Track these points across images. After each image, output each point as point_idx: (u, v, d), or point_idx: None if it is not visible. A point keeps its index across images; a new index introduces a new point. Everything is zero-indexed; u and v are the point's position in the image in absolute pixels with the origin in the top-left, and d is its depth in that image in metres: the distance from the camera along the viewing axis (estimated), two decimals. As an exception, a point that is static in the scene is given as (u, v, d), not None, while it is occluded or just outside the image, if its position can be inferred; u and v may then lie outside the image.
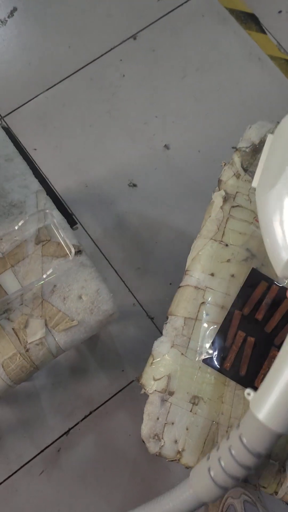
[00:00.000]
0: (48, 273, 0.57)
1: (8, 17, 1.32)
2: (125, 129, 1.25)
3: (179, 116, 1.27)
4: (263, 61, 1.31)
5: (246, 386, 0.57)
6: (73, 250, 0.57)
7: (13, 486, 1.05)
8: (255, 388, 0.48)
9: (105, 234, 1.20)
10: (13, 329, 0.58)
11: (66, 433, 1.08)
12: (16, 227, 0.61)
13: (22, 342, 0.58)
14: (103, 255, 1.17)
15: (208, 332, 0.60)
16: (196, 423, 0.59)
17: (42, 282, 0.58)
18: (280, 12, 1.33)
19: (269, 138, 0.58)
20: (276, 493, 0.58)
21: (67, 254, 0.58)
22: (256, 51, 1.31)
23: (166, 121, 1.27)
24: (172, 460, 0.59)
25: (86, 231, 1.19)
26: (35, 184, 0.68)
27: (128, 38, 1.31)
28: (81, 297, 0.59)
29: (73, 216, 1.20)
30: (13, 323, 0.59)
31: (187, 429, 0.58)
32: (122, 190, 1.22)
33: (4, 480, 1.05)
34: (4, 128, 0.75)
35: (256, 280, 0.61)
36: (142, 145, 1.25)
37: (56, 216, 0.61)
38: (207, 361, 0.59)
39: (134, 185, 1.22)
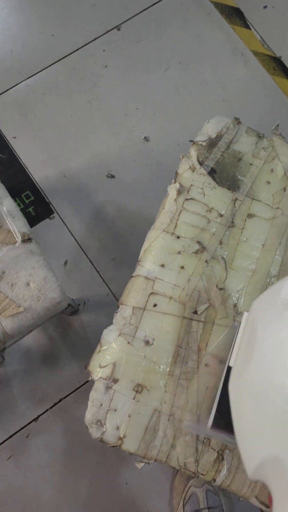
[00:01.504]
0: (-2, 259, 0.58)
1: (-7, 4, 1.32)
2: (106, 120, 1.26)
3: (160, 109, 1.27)
4: (247, 57, 1.31)
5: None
6: (19, 238, 0.58)
7: (-21, 469, 1.07)
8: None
9: (81, 224, 1.20)
10: None
11: (36, 419, 1.10)
12: None
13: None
14: (79, 245, 1.18)
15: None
16: (138, 410, 0.60)
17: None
18: (265, 7, 1.33)
19: (245, 316, 0.53)
20: (214, 480, 0.59)
21: (16, 241, 0.59)
22: (240, 46, 1.31)
23: (147, 113, 1.27)
24: (113, 446, 0.60)
25: (63, 220, 1.20)
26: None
27: (112, 29, 1.31)
28: (28, 284, 0.60)
29: (51, 206, 1.21)
30: None
31: (129, 416, 0.59)
32: (100, 181, 1.23)
33: (-29, 463, 1.07)
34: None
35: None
36: (122, 137, 1.25)
37: (7, 204, 0.61)
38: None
39: (112, 176, 1.23)
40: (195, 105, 1.27)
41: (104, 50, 1.30)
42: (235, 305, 0.63)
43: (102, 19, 1.31)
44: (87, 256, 1.18)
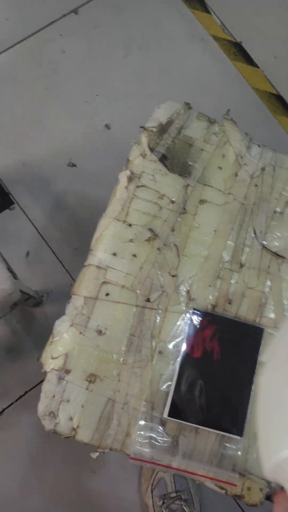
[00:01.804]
0: None
1: None
2: (65, 107, 1.23)
3: (120, 95, 1.25)
4: (207, 42, 1.30)
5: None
6: None
7: None
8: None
9: (43, 214, 1.18)
10: None
11: (0, 413, 1.08)
12: None
13: None
14: (41, 235, 1.16)
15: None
16: (92, 400, 0.59)
17: None
18: (224, -9, 1.32)
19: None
20: (170, 466, 0.60)
21: None
22: (200, 31, 1.30)
23: (107, 100, 1.25)
24: (67, 437, 0.59)
25: (23, 210, 1.18)
26: None
27: (69, 12, 1.27)
28: (-25, 276, 0.58)
29: (10, 195, 1.18)
30: None
31: (82, 406, 0.59)
32: (61, 169, 1.20)
33: None
34: None
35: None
36: (82, 124, 1.23)
37: None
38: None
39: (74, 165, 1.21)
40: (155, 91, 1.25)
41: (61, 35, 1.26)
42: (188, 292, 0.63)
43: (59, 2, 1.27)
44: (49, 246, 1.16)
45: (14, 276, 0.70)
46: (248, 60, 1.31)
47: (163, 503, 1.02)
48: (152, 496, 1.07)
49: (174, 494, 1.05)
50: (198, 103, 0.79)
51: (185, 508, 0.98)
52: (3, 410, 1.08)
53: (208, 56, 1.29)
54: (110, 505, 1.11)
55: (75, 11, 1.27)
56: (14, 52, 1.24)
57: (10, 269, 0.68)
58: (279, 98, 1.29)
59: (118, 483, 1.13)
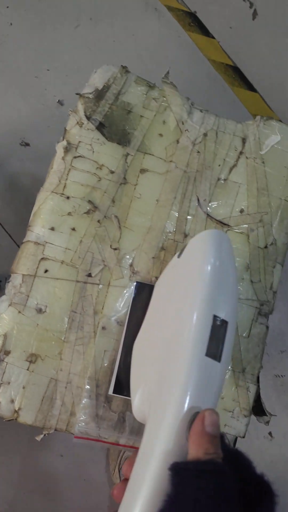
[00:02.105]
0: None
1: None
2: (14, 83, 1.17)
3: (73, 69, 1.20)
4: (160, 12, 1.25)
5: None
6: None
7: None
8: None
9: (-4, 196, 1.14)
10: None
11: None
12: None
13: None
14: (-5, 218, 1.12)
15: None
16: (33, 381, 0.57)
17: None
18: None
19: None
20: (118, 443, 0.58)
21: None
22: (153, 1, 1.25)
23: (59, 75, 1.20)
24: (9, 420, 0.57)
25: (-25, 193, 1.13)
26: None
27: (15, -17, 1.21)
28: None
29: None
30: None
31: (23, 388, 0.57)
32: (13, 149, 1.15)
33: None
34: None
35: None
36: (33, 101, 1.18)
37: None
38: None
39: (27, 144, 1.16)
40: (109, 64, 1.21)
41: (7, 7, 1.20)
42: (131, 265, 0.61)
43: (2, -28, 1.21)
44: (5, 230, 1.12)
45: None
46: (204, 30, 1.27)
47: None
48: (120, 476, 1.07)
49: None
50: (153, 76, 0.75)
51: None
52: None
53: (162, 27, 1.25)
54: (79, 487, 1.10)
55: (20, -19, 1.21)
56: None
57: None
58: (235, 69, 1.26)
59: (86, 465, 1.12)
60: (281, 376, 1.21)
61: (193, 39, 1.27)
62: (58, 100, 1.18)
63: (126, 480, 0.42)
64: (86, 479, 1.11)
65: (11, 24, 1.20)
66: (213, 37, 1.27)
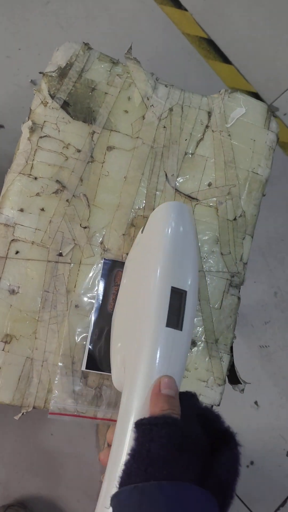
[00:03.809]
0: None
1: None
2: (-15, 65, 1.15)
3: (45, 48, 1.18)
4: (132, -16, 1.23)
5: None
6: None
7: None
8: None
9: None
10: None
11: None
12: None
13: None
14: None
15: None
16: (9, 361, 0.58)
17: None
18: None
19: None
20: (95, 417, 0.60)
21: None
22: (124, -27, 1.22)
23: (31, 54, 1.18)
24: (-12, 399, 0.58)
25: None
26: None
27: None
28: None
29: None
30: None
31: (0, 368, 0.58)
32: (-12, 132, 1.14)
33: None
34: None
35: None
36: (6, 82, 1.16)
37: None
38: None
39: (1, 126, 1.15)
40: (81, 41, 1.19)
41: (-26, -16, 1.17)
42: (101, 242, 0.61)
43: None
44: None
45: None
46: (176, 3, 1.25)
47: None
48: (110, 450, 1.09)
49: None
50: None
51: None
52: None
53: (135, 1, 1.22)
54: (70, 464, 1.13)
55: None
56: None
57: None
58: (210, 42, 1.24)
59: (76, 442, 1.15)
60: (266, 346, 1.23)
61: (167, 12, 1.25)
62: (31, 80, 1.17)
63: (110, 446, 0.45)
64: (77, 456, 1.13)
65: (-22, 2, 1.17)
66: (186, 10, 1.25)
